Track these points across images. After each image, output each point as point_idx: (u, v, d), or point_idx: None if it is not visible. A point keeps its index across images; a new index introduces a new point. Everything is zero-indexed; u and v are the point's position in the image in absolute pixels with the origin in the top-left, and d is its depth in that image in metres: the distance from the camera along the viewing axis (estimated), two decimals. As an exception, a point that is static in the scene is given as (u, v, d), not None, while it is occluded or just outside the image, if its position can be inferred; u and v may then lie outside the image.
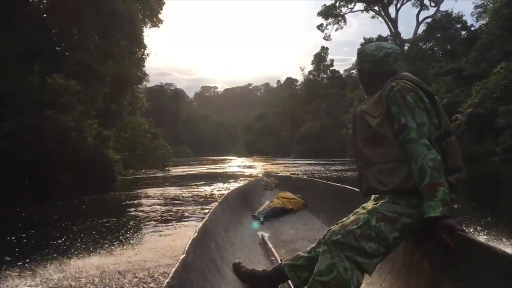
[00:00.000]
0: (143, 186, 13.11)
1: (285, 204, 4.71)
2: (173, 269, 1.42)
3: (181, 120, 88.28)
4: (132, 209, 7.68)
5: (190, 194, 9.82)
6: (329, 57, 63.49)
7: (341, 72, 59.89)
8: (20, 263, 3.63)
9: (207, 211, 3.61)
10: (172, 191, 11.10)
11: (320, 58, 64.36)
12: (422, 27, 43.37)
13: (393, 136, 1.62)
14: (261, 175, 7.86)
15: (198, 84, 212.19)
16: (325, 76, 63.09)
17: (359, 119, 1.76)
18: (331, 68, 63.36)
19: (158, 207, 7.72)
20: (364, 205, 1.82)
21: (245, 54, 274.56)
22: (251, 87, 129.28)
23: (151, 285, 2.95)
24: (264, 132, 70.33)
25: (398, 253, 1.81)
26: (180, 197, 9.54)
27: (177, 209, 7.25)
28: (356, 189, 2.90)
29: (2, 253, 3.86)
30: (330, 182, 4.73)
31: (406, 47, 42.48)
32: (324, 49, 64.87)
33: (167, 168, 23.47)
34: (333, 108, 50.76)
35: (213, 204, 3.35)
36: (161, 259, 3.55)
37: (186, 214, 6.72)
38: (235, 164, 34.15)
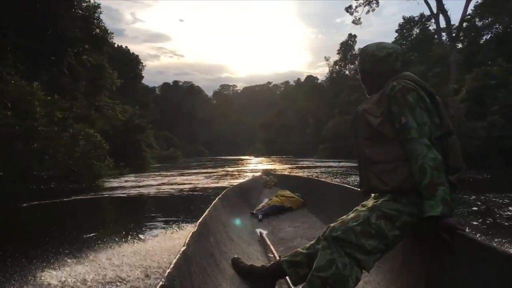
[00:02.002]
0: None
1: (284, 202, 4.60)
2: (174, 260, 1.41)
3: (197, 118, 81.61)
4: None
5: None
6: (357, 46, 54.05)
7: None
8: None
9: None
10: None
11: (347, 47, 55.64)
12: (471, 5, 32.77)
13: (394, 136, 1.61)
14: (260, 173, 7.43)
15: (218, 83, 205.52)
16: (353, 66, 53.53)
17: (361, 119, 1.76)
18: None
19: None
20: (364, 202, 1.79)
21: (265, 53, 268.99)
22: (270, 86, 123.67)
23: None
24: (284, 129, 61.82)
25: (397, 251, 1.78)
26: None
27: None
28: (356, 189, 3.13)
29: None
30: (330, 181, 4.73)
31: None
32: (352, 37, 55.82)
33: (97, 183, 12.68)
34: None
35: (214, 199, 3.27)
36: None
37: None
38: (248, 167, 25.57)
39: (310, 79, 73.50)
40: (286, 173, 11.39)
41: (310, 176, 10.22)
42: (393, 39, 42.17)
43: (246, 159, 48.76)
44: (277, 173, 7.58)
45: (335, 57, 57.05)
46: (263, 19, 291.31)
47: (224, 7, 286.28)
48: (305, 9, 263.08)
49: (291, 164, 29.39)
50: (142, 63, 66.49)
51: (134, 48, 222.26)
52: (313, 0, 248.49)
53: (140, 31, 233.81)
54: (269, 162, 36.34)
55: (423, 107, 1.57)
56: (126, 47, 64.65)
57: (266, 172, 7.21)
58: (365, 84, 1.86)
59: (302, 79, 75.42)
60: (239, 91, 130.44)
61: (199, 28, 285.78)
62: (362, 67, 1.83)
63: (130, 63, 64.29)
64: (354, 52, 55.89)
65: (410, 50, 39.63)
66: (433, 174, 1.45)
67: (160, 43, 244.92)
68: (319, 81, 67.11)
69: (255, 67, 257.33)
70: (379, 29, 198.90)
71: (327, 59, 56.94)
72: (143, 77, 67.41)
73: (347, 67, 55.73)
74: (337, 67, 56.66)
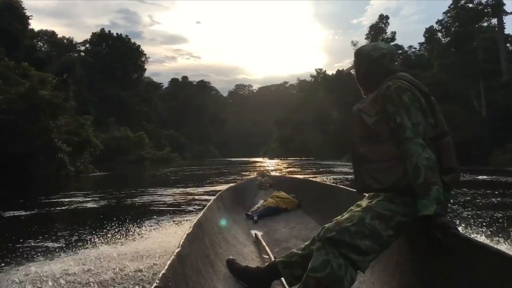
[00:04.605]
0: None
1: (279, 203, 4.47)
2: (169, 262, 1.35)
3: (207, 117, 72.46)
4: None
5: None
6: (389, 29, 43.09)
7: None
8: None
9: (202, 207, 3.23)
10: None
11: (378, 30, 44.90)
12: None
13: (389, 135, 1.58)
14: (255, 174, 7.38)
15: (234, 85, 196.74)
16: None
17: (356, 118, 1.73)
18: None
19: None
20: (359, 203, 1.76)
21: (281, 54, 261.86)
22: (287, 85, 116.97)
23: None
24: (303, 126, 51.11)
25: (392, 251, 1.76)
26: None
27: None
28: (350, 189, 3.07)
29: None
30: (324, 182, 4.75)
31: None
32: (383, 18, 45.06)
33: None
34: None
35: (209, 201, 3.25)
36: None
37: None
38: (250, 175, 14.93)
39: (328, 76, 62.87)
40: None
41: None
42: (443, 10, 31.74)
43: (258, 162, 39.73)
44: (272, 174, 7.52)
45: (363, 42, 46.44)
46: (279, 20, 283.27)
47: (241, 9, 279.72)
48: (321, 10, 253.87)
49: (322, 173, 18.90)
50: (145, 54, 57.66)
51: (151, 50, 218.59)
52: (329, 1, 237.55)
53: (157, 33, 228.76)
54: (286, 165, 26.10)
55: (418, 107, 1.56)
56: (126, 36, 55.75)
57: (261, 174, 6.95)
58: (361, 84, 1.85)
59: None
60: (254, 91, 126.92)
61: (215, 30, 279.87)
62: (358, 68, 1.82)
63: (131, 53, 54.97)
64: (386, 36, 45.16)
65: (469, 22, 29.28)
66: (427, 174, 1.43)
67: (177, 45, 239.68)
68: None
69: (271, 69, 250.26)
70: (397, 29, 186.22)
71: (354, 44, 46.76)
72: (145, 69, 58.51)
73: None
74: (366, 53, 46.19)
